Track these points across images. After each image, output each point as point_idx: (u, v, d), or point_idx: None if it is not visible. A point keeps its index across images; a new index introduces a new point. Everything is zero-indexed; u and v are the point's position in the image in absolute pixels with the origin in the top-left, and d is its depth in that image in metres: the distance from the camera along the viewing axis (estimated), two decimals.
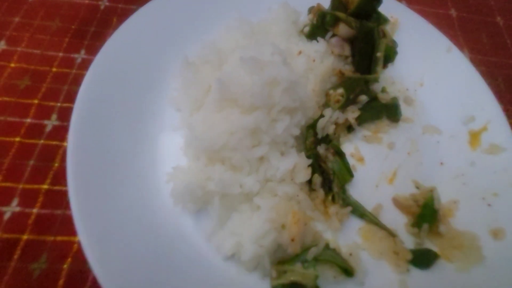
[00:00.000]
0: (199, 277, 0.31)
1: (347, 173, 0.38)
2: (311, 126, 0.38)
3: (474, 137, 0.44)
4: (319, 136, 0.39)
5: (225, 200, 0.33)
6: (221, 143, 0.32)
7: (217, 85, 0.32)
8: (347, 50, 0.43)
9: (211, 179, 0.33)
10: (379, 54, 0.42)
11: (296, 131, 0.35)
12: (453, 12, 0.63)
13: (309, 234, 0.34)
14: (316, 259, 0.32)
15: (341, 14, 0.42)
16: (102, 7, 0.50)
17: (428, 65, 0.50)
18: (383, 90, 0.45)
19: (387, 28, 0.51)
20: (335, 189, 0.37)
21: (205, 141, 0.32)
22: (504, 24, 0.63)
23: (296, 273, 0.31)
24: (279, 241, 0.32)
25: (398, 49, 0.50)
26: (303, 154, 0.36)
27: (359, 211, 0.37)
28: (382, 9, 0.48)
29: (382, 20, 0.48)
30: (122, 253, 0.30)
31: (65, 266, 0.32)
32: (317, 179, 0.37)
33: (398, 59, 0.50)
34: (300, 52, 0.42)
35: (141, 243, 0.32)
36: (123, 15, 0.49)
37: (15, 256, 0.32)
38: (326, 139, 0.40)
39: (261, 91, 0.31)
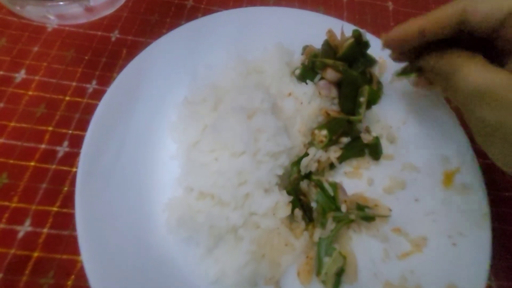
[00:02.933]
0: None
1: (330, 202, 0.42)
2: (296, 164, 0.42)
3: (448, 177, 0.48)
4: (303, 173, 0.43)
5: (213, 231, 0.37)
6: (211, 181, 0.36)
7: (211, 130, 0.36)
8: (333, 92, 0.47)
9: (202, 211, 0.37)
10: (362, 99, 0.46)
11: (280, 171, 0.39)
12: None
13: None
14: None
15: (329, 61, 0.46)
16: (113, 38, 0.54)
17: (411, 105, 0.53)
18: (367, 130, 0.49)
19: (376, 68, 0.55)
20: (315, 215, 0.41)
21: (197, 178, 0.37)
22: None
23: None
24: (259, 270, 0.36)
25: (385, 89, 0.54)
26: (284, 192, 0.40)
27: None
28: (372, 50, 0.52)
29: (369, 62, 0.52)
30: (119, 273, 0.35)
31: (69, 282, 0.36)
32: (298, 212, 0.41)
33: (384, 98, 0.54)
34: (290, 94, 0.46)
35: (137, 265, 0.36)
36: (132, 47, 0.54)
37: (27, 271, 0.36)
38: (309, 175, 0.44)
39: (249, 138, 0.35)
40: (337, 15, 0.62)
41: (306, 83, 0.47)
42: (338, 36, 0.50)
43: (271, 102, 0.38)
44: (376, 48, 0.53)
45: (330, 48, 0.49)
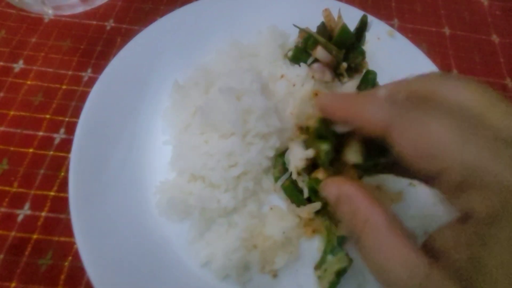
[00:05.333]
0: (179, 279, 0.36)
1: None
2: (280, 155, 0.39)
3: None
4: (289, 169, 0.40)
5: (204, 213, 0.37)
6: (201, 163, 0.36)
7: (199, 112, 0.36)
8: (327, 76, 0.45)
9: (193, 194, 0.37)
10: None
11: (271, 153, 0.39)
12: (446, 30, 0.63)
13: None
14: None
15: (321, 38, 0.45)
16: (108, 27, 0.55)
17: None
18: None
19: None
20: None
21: (188, 161, 0.37)
22: (499, 43, 0.63)
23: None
24: (248, 259, 0.35)
25: (388, 75, 0.51)
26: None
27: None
28: (372, 32, 0.50)
29: (361, 54, 0.48)
30: (111, 254, 0.35)
31: (66, 263, 0.37)
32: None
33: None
34: (282, 76, 0.45)
35: (129, 247, 0.36)
36: (127, 35, 0.54)
37: (26, 253, 0.37)
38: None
39: (237, 118, 0.35)
40: None
41: (299, 65, 0.46)
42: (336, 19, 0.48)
43: (261, 83, 0.38)
44: (375, 30, 0.51)
45: (325, 30, 0.47)
